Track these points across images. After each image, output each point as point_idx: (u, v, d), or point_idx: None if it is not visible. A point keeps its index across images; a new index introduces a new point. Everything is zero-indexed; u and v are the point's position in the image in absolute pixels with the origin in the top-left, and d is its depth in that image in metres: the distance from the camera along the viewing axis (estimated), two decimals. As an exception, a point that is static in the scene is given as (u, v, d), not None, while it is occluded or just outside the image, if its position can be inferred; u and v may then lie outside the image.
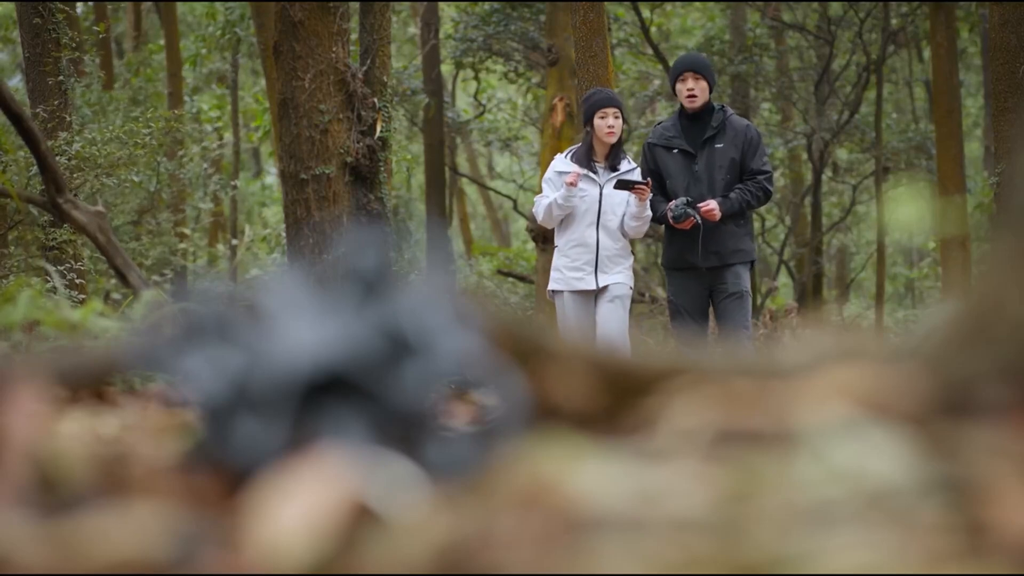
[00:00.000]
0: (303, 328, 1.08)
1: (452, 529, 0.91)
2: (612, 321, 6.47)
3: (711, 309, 6.65)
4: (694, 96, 6.66)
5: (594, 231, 6.61)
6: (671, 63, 16.09)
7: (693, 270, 6.51)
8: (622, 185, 6.48)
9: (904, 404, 1.06)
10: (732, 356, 1.14)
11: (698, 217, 6.38)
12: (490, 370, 1.08)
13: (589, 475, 0.99)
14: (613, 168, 6.71)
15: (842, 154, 17.92)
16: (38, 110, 9.09)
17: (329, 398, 1.08)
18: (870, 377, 1.08)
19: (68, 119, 9.44)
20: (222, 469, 1.07)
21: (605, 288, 6.57)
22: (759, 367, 1.13)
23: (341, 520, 0.91)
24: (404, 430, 1.07)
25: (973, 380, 1.03)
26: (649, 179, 6.57)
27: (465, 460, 1.02)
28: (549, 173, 6.87)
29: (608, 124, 6.64)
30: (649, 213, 6.60)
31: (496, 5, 14.92)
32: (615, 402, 1.16)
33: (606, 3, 9.03)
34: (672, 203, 6.50)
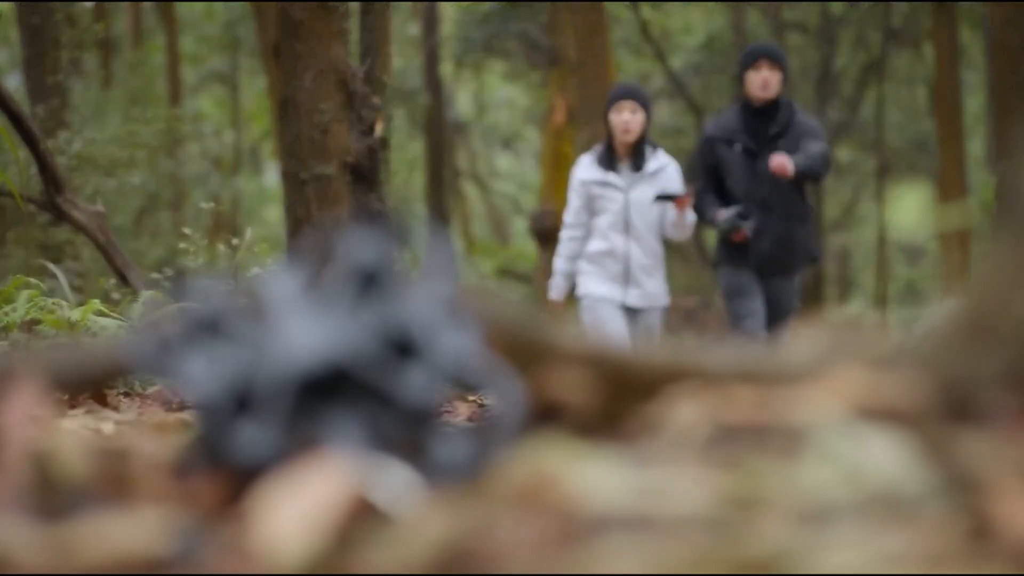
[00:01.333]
0: (304, 327, 1.08)
1: (452, 529, 0.91)
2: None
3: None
4: (768, 86, 5.99)
5: (622, 240, 6.06)
6: (671, 62, 16.06)
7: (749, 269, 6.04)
8: (661, 198, 6.02)
9: (905, 406, 1.05)
10: (735, 357, 1.14)
11: (749, 230, 5.87)
12: (491, 370, 1.08)
13: (590, 475, 0.99)
14: (638, 167, 6.10)
15: (843, 154, 17.92)
16: (37, 109, 9.08)
17: (330, 397, 1.08)
18: (872, 379, 1.08)
19: (67, 119, 9.44)
20: (222, 469, 1.07)
21: (638, 310, 6.08)
22: (761, 369, 1.13)
23: (341, 520, 0.91)
24: (405, 429, 1.07)
25: (975, 382, 1.03)
26: (691, 187, 6.00)
27: (466, 460, 1.02)
28: (573, 182, 6.22)
29: (623, 120, 6.02)
30: (692, 219, 6.09)
31: (496, 5, 14.92)
32: (617, 402, 1.16)
33: (606, 3, 9.03)
34: (722, 215, 5.94)
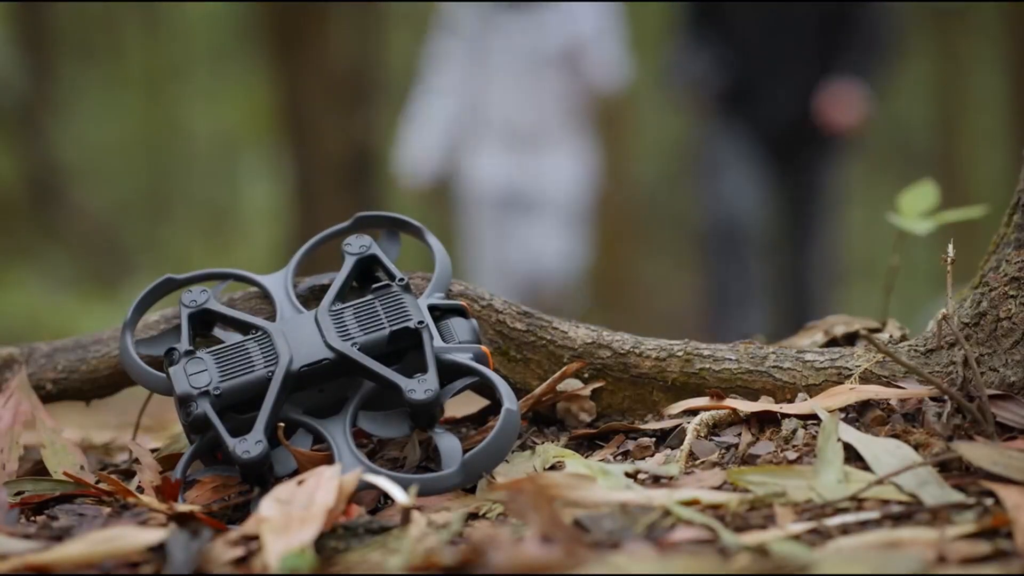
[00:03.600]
0: (305, 325, 1.07)
1: (452, 529, 0.90)
2: (546, 245, 4.24)
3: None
4: None
5: (506, 95, 4.18)
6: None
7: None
8: None
9: (912, 409, 1.05)
10: (745, 361, 1.13)
11: (720, 87, 3.99)
12: (494, 369, 1.07)
13: (593, 476, 0.98)
14: None
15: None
16: (35, 104, 9.04)
17: (331, 397, 1.07)
18: (882, 387, 1.07)
19: (67, 114, 9.42)
20: (222, 469, 1.06)
21: (538, 205, 4.24)
22: (769, 373, 1.12)
23: (341, 521, 0.91)
24: (409, 428, 1.06)
25: (982, 388, 1.02)
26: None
27: (467, 459, 1.01)
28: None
29: None
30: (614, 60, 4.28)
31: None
32: (620, 404, 1.15)
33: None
34: (692, 65, 4.01)
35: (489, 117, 4.19)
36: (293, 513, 0.89)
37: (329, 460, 1.01)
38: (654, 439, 1.09)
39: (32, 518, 1.03)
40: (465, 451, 1.02)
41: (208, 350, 1.06)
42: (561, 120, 4.22)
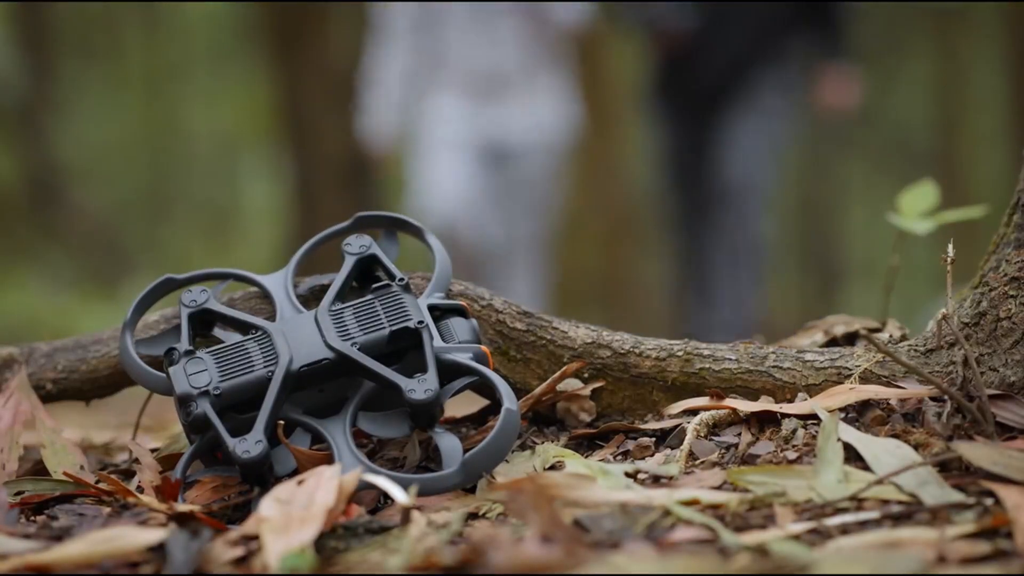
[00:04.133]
0: (305, 324, 1.07)
1: (452, 529, 0.90)
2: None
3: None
4: None
5: (457, 41, 4.03)
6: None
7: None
8: None
9: (912, 409, 1.05)
10: (745, 361, 1.13)
11: (683, 34, 3.88)
12: (494, 369, 1.07)
13: (593, 476, 0.98)
14: None
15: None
16: (35, 104, 9.04)
17: (331, 397, 1.07)
18: (882, 387, 1.07)
19: (67, 113, 9.41)
20: (222, 469, 1.06)
21: (510, 153, 4.05)
22: (769, 373, 1.12)
23: (341, 520, 0.91)
24: (409, 428, 1.06)
25: (982, 388, 1.02)
26: None
27: (467, 459, 1.01)
28: None
29: None
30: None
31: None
32: (620, 404, 1.15)
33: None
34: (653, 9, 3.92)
35: (449, 66, 4.02)
36: (293, 513, 0.89)
37: (329, 460, 1.01)
38: (654, 439, 1.09)
39: (32, 518, 1.03)
40: (465, 451, 1.02)
41: (208, 350, 1.06)
42: (528, 63, 4.04)
